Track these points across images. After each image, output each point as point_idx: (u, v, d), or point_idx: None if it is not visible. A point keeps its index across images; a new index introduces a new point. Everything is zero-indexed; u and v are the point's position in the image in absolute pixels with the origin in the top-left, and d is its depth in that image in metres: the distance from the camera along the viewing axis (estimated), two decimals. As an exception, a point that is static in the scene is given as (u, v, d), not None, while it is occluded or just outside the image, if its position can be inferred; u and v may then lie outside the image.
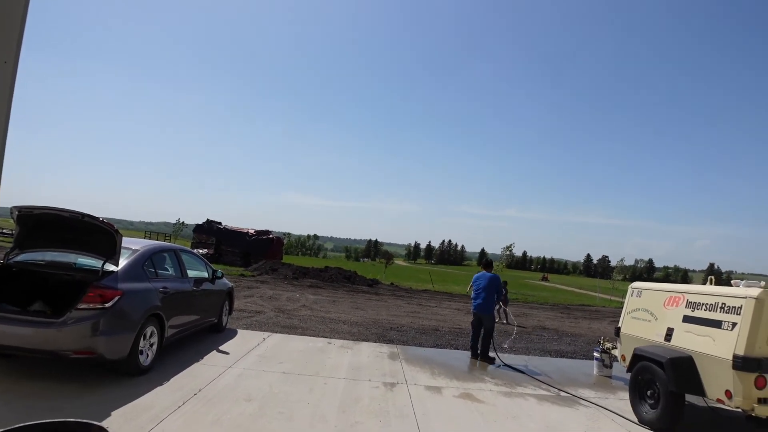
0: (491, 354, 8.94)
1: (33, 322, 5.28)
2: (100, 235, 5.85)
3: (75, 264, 6.39)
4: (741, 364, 5.08)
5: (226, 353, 7.50)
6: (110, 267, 5.86)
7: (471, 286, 9.39)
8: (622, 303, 7.96)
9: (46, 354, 5.29)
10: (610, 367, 8.59)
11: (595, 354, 8.77)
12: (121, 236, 5.88)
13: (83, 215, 5.71)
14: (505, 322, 14.46)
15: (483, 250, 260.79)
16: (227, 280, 9.58)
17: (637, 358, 6.46)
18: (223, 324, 9.12)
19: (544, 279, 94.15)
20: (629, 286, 7.65)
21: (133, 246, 6.58)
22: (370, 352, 8.71)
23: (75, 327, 5.25)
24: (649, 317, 6.76)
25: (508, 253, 49.83)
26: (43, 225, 6.09)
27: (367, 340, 9.92)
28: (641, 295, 7.17)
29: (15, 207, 5.80)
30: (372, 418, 5.34)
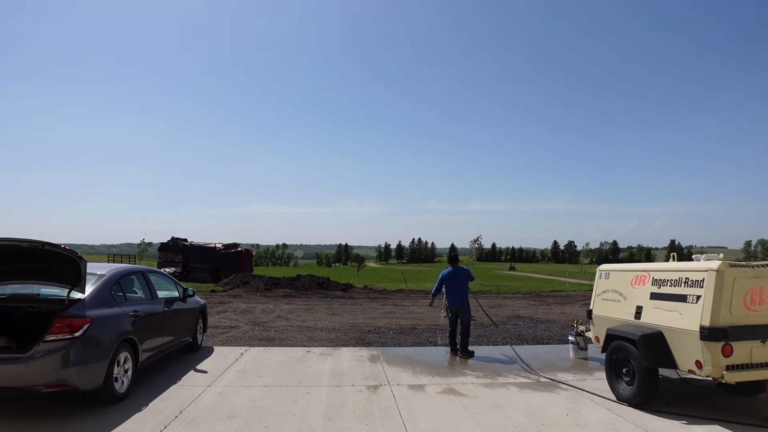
0: (471, 348, 9.04)
1: (-1, 359, 5.08)
2: (62, 263, 5.66)
3: (39, 295, 6.18)
4: (708, 334, 5.29)
5: (204, 372, 7.37)
6: (77, 295, 5.69)
7: (440, 285, 9.40)
8: (592, 286, 8.17)
9: (15, 391, 5.07)
10: (585, 349, 8.80)
11: (570, 338, 8.98)
12: (85, 262, 5.71)
13: (43, 243, 5.51)
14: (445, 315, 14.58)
15: (453, 245, 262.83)
16: (199, 297, 9.41)
17: (611, 338, 6.65)
18: (199, 342, 8.95)
19: (512, 269, 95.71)
20: (597, 269, 7.86)
21: (98, 271, 6.40)
22: (350, 356, 8.69)
23: (44, 360, 5.07)
24: (618, 297, 6.96)
25: (476, 245, 50.54)
26: (0, 257, 5.86)
27: (346, 345, 9.89)
28: (609, 277, 7.37)
29: None
30: (358, 422, 5.34)
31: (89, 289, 5.89)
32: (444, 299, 9.45)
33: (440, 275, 9.47)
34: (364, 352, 9.17)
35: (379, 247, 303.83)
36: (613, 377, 6.48)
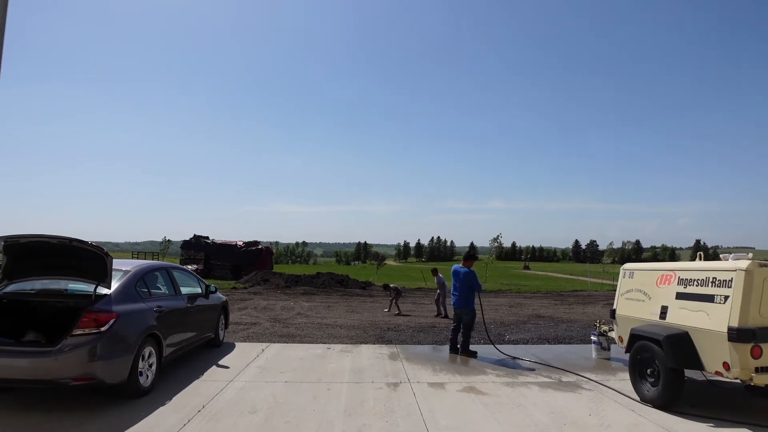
0: (472, 348, 8.93)
1: (28, 353, 5.21)
2: (89, 259, 5.78)
3: (66, 290, 6.31)
4: (736, 335, 5.18)
5: (226, 367, 7.46)
6: (103, 290, 5.80)
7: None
8: (614, 286, 8.06)
9: (45, 384, 5.21)
10: (608, 349, 8.69)
11: (593, 338, 8.87)
12: (111, 258, 5.82)
13: (71, 240, 5.64)
14: (443, 315, 14.52)
15: (472, 243, 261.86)
16: (221, 293, 9.52)
17: (635, 338, 6.55)
18: (221, 338, 9.06)
19: (526, 268, 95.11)
20: (621, 268, 7.75)
21: (123, 267, 6.51)
22: (370, 354, 8.72)
23: (72, 354, 5.19)
24: (642, 297, 6.85)
25: (496, 244, 50.22)
26: (30, 253, 6.00)
27: (365, 342, 9.92)
28: (633, 276, 7.26)
29: (0, 237, 5.71)
30: (379, 419, 5.35)
31: (115, 284, 6.00)
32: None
33: (451, 271, 9.41)
34: (384, 349, 9.19)
35: (398, 245, 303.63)
36: (637, 378, 6.39)
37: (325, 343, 9.77)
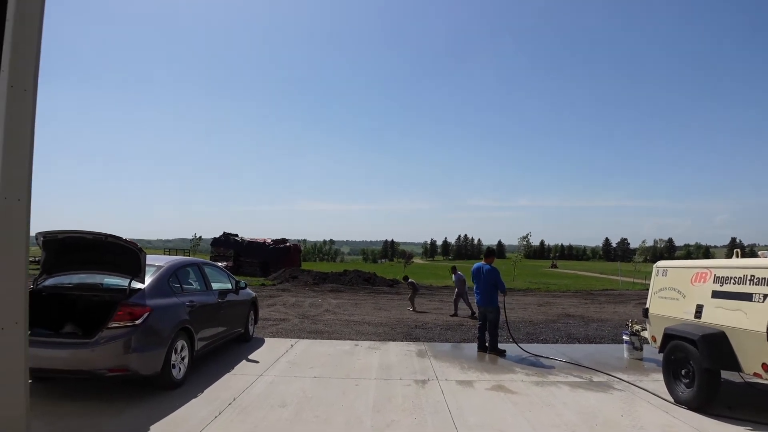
0: (501, 346, 8.80)
1: (67, 344, 5.41)
2: (124, 255, 5.94)
3: (102, 284, 6.49)
4: (776, 335, 5.01)
5: (256, 362, 7.57)
6: (137, 285, 5.95)
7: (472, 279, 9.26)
8: (646, 285, 7.88)
9: (83, 374, 5.40)
10: (641, 349, 8.50)
11: (625, 337, 8.69)
12: (145, 254, 5.97)
13: (106, 236, 5.80)
14: (453, 314, 14.25)
15: (500, 242, 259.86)
16: (250, 290, 9.66)
17: (669, 337, 6.39)
18: (250, 333, 9.20)
19: (554, 266, 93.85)
20: (654, 266, 7.57)
21: (157, 262, 6.67)
22: (398, 351, 8.73)
23: (108, 345, 5.35)
24: (677, 295, 6.68)
25: (525, 243, 49.76)
26: (67, 248, 6.19)
27: (393, 339, 9.93)
28: (667, 274, 7.09)
29: (39, 233, 5.91)
30: (407, 415, 5.35)
31: (148, 279, 6.15)
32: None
33: (472, 269, 9.34)
34: (412, 346, 9.18)
35: (425, 243, 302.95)
36: (670, 378, 6.23)
37: (352, 339, 9.82)
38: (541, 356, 8.44)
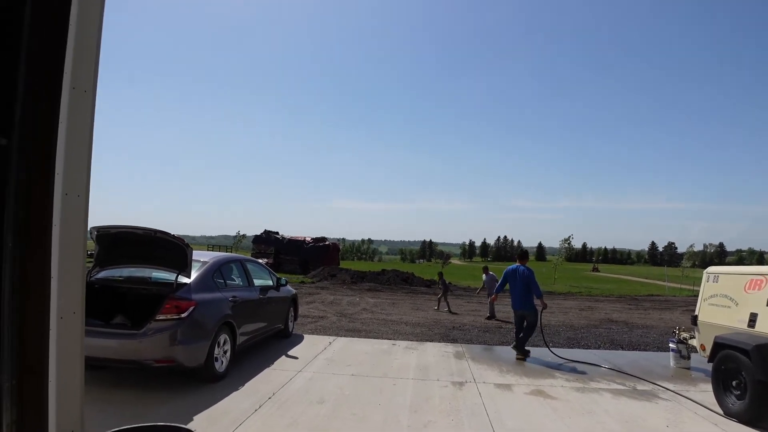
0: (527, 348, 8.59)
1: (117, 335, 5.64)
2: (172, 250, 6.14)
3: (150, 278, 6.73)
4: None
5: (295, 358, 7.70)
6: (183, 279, 6.15)
7: (503, 282, 9.05)
8: (694, 291, 7.61)
9: (132, 364, 5.63)
10: (688, 358, 8.20)
11: (671, 345, 8.40)
12: (192, 250, 6.16)
13: (155, 231, 6.02)
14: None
15: (540, 244, 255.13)
16: (290, 287, 9.82)
17: (719, 346, 6.14)
18: (290, 330, 9.35)
19: (595, 270, 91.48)
20: (704, 271, 7.30)
21: (202, 258, 6.87)
22: (435, 352, 8.70)
23: (155, 337, 5.55)
24: (729, 303, 6.42)
25: (567, 245, 48.65)
26: (119, 243, 6.45)
27: (431, 340, 9.91)
28: (718, 280, 6.82)
29: (93, 227, 6.18)
30: (444, 417, 5.34)
31: (194, 274, 6.34)
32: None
33: (504, 271, 9.12)
34: (449, 348, 9.14)
35: (464, 244, 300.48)
36: (720, 390, 5.99)
37: (390, 339, 9.85)
38: (578, 361, 8.24)
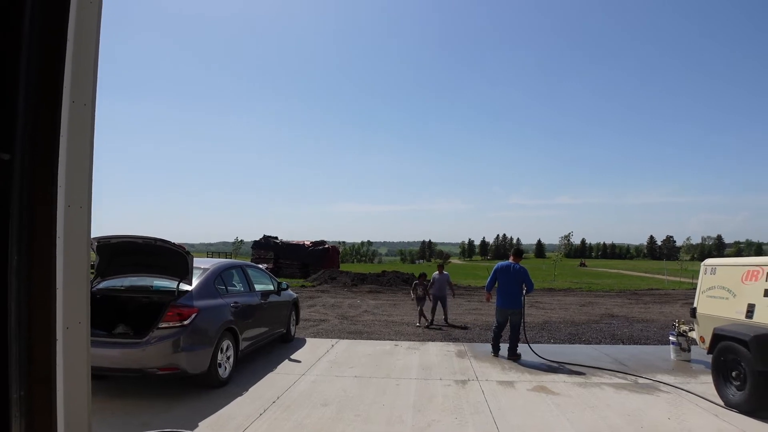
0: (518, 351, 8.30)
1: (120, 344, 5.67)
2: (172, 258, 6.17)
3: (152, 286, 6.76)
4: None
5: (298, 361, 7.72)
6: (185, 286, 6.18)
7: (493, 279, 8.63)
8: (693, 284, 7.64)
9: (135, 372, 5.65)
10: (688, 350, 8.24)
11: (671, 338, 8.44)
12: (192, 257, 6.19)
13: (156, 240, 6.05)
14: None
15: (539, 241, 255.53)
16: (291, 291, 9.84)
17: (718, 338, 6.19)
18: (292, 333, 9.38)
19: (582, 265, 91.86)
20: (702, 264, 7.34)
21: (203, 265, 6.89)
22: (437, 351, 8.74)
23: (158, 345, 5.58)
24: (726, 294, 6.47)
25: (566, 242, 48.79)
26: (120, 252, 6.48)
27: (432, 340, 9.95)
28: (716, 272, 6.87)
29: (94, 238, 6.20)
30: (448, 415, 5.37)
31: (195, 281, 6.37)
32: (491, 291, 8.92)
33: (494, 267, 8.82)
34: (451, 347, 9.17)
35: (463, 243, 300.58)
36: (720, 381, 6.03)
37: (392, 340, 9.88)
38: (566, 363, 8.02)
